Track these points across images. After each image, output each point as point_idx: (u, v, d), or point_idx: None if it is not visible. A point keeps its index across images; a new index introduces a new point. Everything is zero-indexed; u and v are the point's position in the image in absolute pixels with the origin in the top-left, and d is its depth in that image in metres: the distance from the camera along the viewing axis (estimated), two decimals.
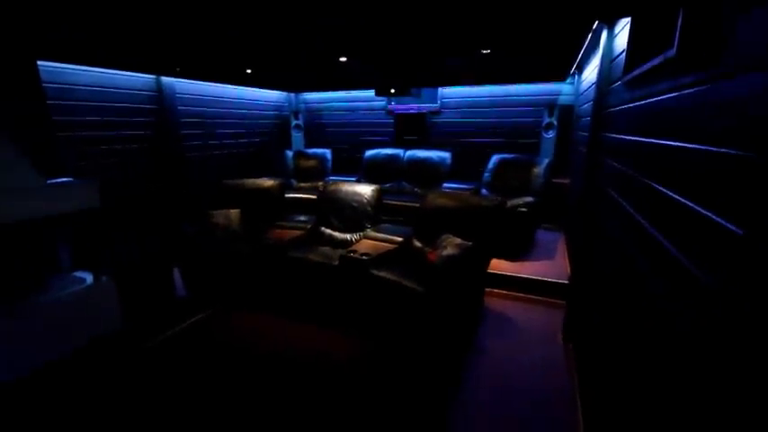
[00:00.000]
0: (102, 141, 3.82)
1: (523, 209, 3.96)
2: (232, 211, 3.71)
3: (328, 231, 3.68)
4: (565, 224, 4.67)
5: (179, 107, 4.57)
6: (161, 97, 4.33)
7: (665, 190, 1.10)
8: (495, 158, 4.91)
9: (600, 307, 1.84)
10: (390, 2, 1.91)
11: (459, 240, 2.77)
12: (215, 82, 5.01)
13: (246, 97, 5.67)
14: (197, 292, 3.47)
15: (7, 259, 2.49)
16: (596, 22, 2.27)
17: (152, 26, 2.33)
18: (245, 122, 5.73)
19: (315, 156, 6.02)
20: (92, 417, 2.07)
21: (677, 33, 1.03)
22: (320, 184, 5.10)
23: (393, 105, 5.95)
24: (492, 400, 2.17)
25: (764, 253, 0.61)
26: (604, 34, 2.30)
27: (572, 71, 4.27)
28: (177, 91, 4.52)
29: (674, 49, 1.05)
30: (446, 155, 5.23)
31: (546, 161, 4.58)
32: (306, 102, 6.60)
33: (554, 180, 4.60)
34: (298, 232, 3.61)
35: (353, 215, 3.65)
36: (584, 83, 3.79)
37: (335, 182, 4.01)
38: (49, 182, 2.59)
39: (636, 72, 1.50)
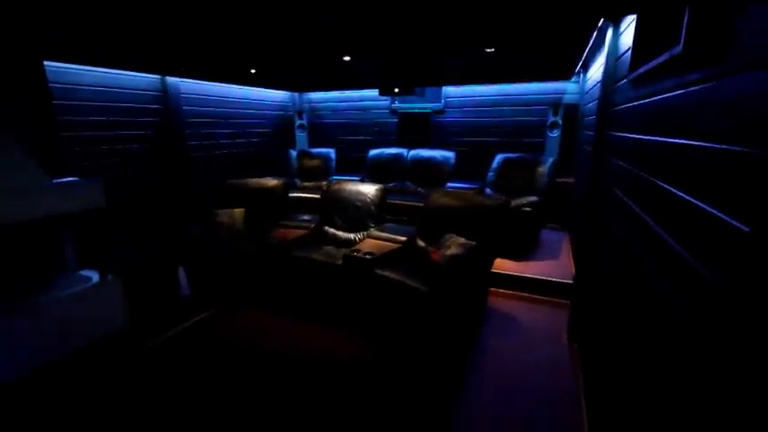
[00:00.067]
0: (107, 141, 3.85)
1: (528, 208, 3.94)
2: (236, 210, 3.73)
3: (332, 231, 3.69)
4: (569, 224, 4.64)
5: (184, 107, 4.60)
6: (166, 97, 4.35)
7: (670, 188, 1.09)
8: (499, 158, 4.89)
9: (605, 306, 1.83)
10: (393, 1, 1.90)
11: (463, 240, 2.77)
12: (220, 82, 5.03)
13: (251, 97, 5.69)
14: (201, 291, 3.49)
15: (14, 258, 2.51)
16: (601, 20, 2.26)
17: (157, 26, 2.34)
18: (250, 122, 5.75)
19: (319, 155, 6.03)
20: (95, 416, 2.09)
21: (684, 30, 1.02)
22: (324, 183, 5.11)
23: (397, 105, 5.95)
24: (496, 399, 2.16)
25: None
26: (610, 32, 2.28)
27: (577, 70, 4.25)
28: (182, 91, 4.55)
29: (681, 45, 1.03)
30: (450, 154, 5.22)
31: (550, 160, 4.56)
32: (310, 101, 6.62)
33: (559, 179, 4.57)
34: (301, 232, 3.62)
35: (357, 215, 3.65)
36: (589, 81, 3.76)
37: (339, 181, 4.01)
38: (54, 181, 2.61)
39: (641, 70, 1.49)
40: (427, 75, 4.69)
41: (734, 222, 0.72)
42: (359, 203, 3.67)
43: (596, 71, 2.99)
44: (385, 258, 2.91)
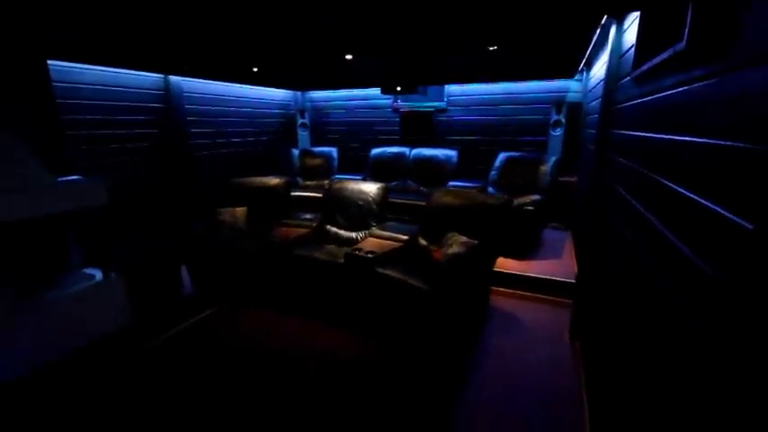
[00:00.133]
0: (110, 140, 3.86)
1: (530, 207, 3.93)
2: (238, 209, 3.74)
3: (334, 229, 3.69)
4: (572, 223, 4.62)
5: (186, 106, 4.61)
6: (168, 96, 4.36)
7: (673, 185, 1.08)
8: (501, 156, 4.87)
9: (607, 305, 1.82)
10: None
11: (464, 239, 2.76)
12: (222, 80, 5.04)
13: (253, 96, 5.70)
14: (204, 289, 3.50)
15: (19, 255, 2.53)
16: (605, 17, 2.24)
17: (160, 25, 2.34)
18: (252, 121, 5.76)
19: (321, 154, 6.03)
20: (97, 415, 2.10)
21: (687, 26, 1.01)
22: (326, 182, 5.10)
23: (399, 103, 5.94)
24: (498, 399, 2.16)
25: None
26: (613, 30, 2.27)
27: (580, 68, 4.22)
28: (185, 90, 4.56)
29: (684, 41, 1.03)
30: (452, 153, 5.21)
31: (553, 159, 4.54)
32: (312, 100, 6.62)
33: (561, 178, 4.55)
34: (303, 230, 3.62)
35: (359, 213, 3.65)
36: (592, 79, 3.74)
37: (341, 180, 4.01)
38: (58, 180, 2.62)
39: (645, 67, 1.47)
40: (429, 73, 4.68)
41: (737, 220, 0.71)
42: (361, 202, 3.67)
43: (599, 69, 2.97)
44: (386, 257, 2.91)
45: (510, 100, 5.29)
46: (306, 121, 6.38)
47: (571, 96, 4.92)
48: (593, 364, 2.03)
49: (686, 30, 1.02)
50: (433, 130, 5.80)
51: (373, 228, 3.52)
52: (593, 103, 3.29)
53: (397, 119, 6.03)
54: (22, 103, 2.97)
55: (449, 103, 5.63)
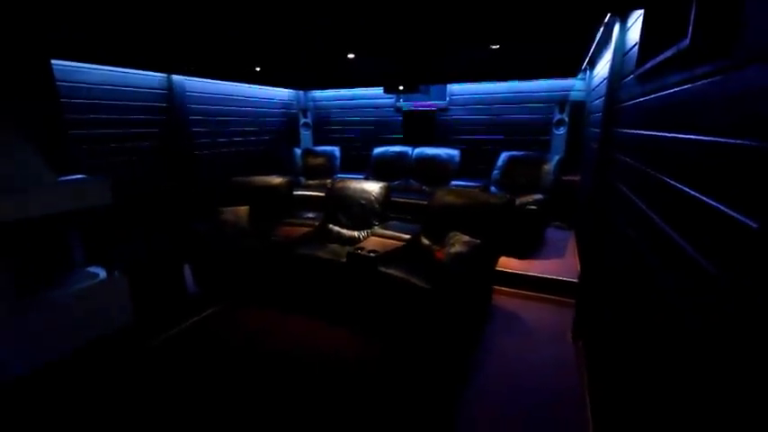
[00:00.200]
0: (114, 139, 3.88)
1: (533, 206, 3.92)
2: (241, 208, 3.74)
3: (336, 228, 3.69)
4: (575, 222, 4.60)
5: (189, 105, 4.62)
6: (172, 95, 4.38)
7: (677, 184, 1.08)
8: (504, 156, 4.86)
9: (610, 304, 1.81)
10: None
11: (467, 238, 2.75)
12: (225, 80, 5.05)
13: (256, 95, 5.71)
14: (207, 288, 3.51)
15: (24, 254, 2.54)
16: (608, 15, 2.23)
17: (163, 25, 2.35)
18: (255, 120, 5.77)
19: (323, 153, 6.03)
20: (100, 414, 2.11)
21: (691, 23, 1.01)
22: (328, 181, 5.11)
23: (401, 103, 5.93)
24: (500, 398, 2.15)
25: None
26: (617, 28, 2.25)
27: (584, 66, 4.20)
28: (188, 89, 4.57)
29: (688, 39, 1.02)
30: (455, 152, 5.20)
31: (556, 158, 4.52)
32: (314, 100, 6.62)
33: (565, 177, 4.53)
34: (306, 229, 3.62)
35: (361, 212, 3.65)
36: (595, 78, 3.72)
37: (343, 179, 4.01)
38: (62, 179, 2.64)
39: (648, 65, 1.46)
40: (432, 72, 4.67)
41: (742, 218, 0.71)
42: (363, 201, 3.67)
43: (603, 68, 2.96)
44: (389, 256, 2.91)
45: (513, 99, 5.27)
46: (308, 120, 6.39)
47: (574, 95, 4.90)
48: (596, 363, 2.02)
49: (690, 27, 1.01)
50: (435, 130, 5.79)
51: (376, 227, 3.52)
52: (597, 101, 3.27)
53: (400, 118, 6.02)
54: (26, 103, 2.99)
55: (451, 102, 5.62)
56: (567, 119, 4.77)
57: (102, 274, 2.84)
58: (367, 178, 5.29)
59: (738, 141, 0.76)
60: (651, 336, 1.16)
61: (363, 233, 3.53)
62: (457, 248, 2.67)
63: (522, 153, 4.80)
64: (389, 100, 5.97)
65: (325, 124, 6.63)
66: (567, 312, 3.00)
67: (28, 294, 2.48)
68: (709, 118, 0.92)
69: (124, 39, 2.69)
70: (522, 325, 2.92)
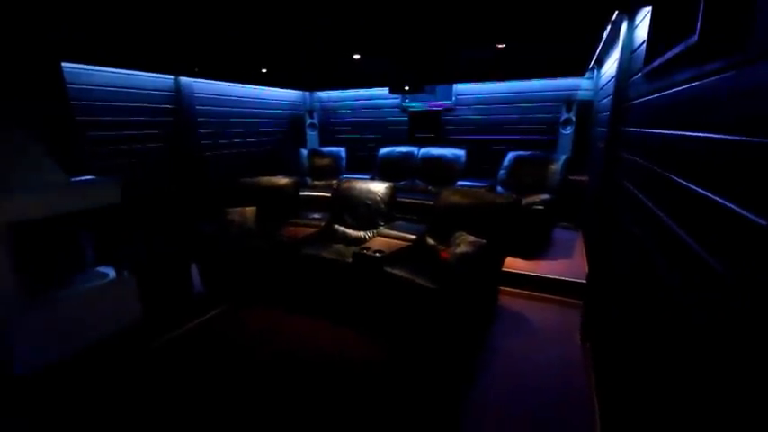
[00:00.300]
0: (122, 141, 3.93)
1: (539, 207, 3.89)
2: (247, 208, 3.77)
3: (342, 229, 3.70)
4: (583, 222, 4.56)
5: (197, 107, 4.66)
6: (179, 97, 4.42)
7: (684, 182, 1.06)
8: (510, 156, 4.83)
9: (618, 303, 1.79)
10: None
11: (472, 238, 2.74)
12: (232, 81, 5.09)
13: (262, 97, 5.74)
14: (213, 288, 3.54)
15: (35, 254, 2.58)
16: (616, 13, 2.21)
17: (171, 28, 2.38)
18: (261, 122, 5.81)
19: (329, 154, 6.05)
20: (105, 414, 2.13)
21: (699, 19, 0.99)
22: (334, 182, 5.13)
23: (407, 103, 5.93)
24: (506, 399, 2.14)
25: None
26: (624, 25, 2.23)
27: (591, 65, 4.17)
28: (195, 91, 4.61)
29: (696, 35, 1.00)
30: (461, 152, 5.18)
31: (563, 158, 4.48)
32: (320, 100, 6.65)
33: (572, 177, 4.49)
34: (312, 230, 3.64)
35: (367, 213, 3.65)
36: (603, 77, 3.69)
37: (349, 180, 4.02)
38: (72, 180, 2.68)
39: (656, 63, 1.45)
40: (438, 72, 4.67)
41: (750, 216, 0.70)
42: (369, 202, 3.67)
43: (611, 66, 2.93)
44: (394, 256, 2.91)
45: (519, 98, 5.24)
46: (314, 121, 6.41)
47: (582, 94, 4.86)
48: (603, 364, 2.00)
49: (698, 23, 1.00)
50: (441, 129, 5.78)
51: (381, 227, 3.52)
52: (604, 100, 3.24)
53: (406, 118, 6.02)
54: (37, 104, 3.04)
55: (457, 101, 5.60)
56: (574, 118, 4.73)
57: (112, 273, 2.88)
58: (373, 179, 5.28)
59: (748, 139, 0.75)
60: (658, 334, 1.15)
61: (369, 233, 3.53)
62: (463, 249, 2.66)
63: (528, 153, 4.76)
64: (395, 100, 5.97)
65: (331, 125, 6.66)
66: (573, 313, 2.97)
67: (40, 293, 2.52)
68: (719, 115, 0.91)
69: (132, 42, 2.72)
70: (528, 325, 2.90)
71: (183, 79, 4.41)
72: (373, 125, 6.30)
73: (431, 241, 3.17)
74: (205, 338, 2.81)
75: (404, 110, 5.99)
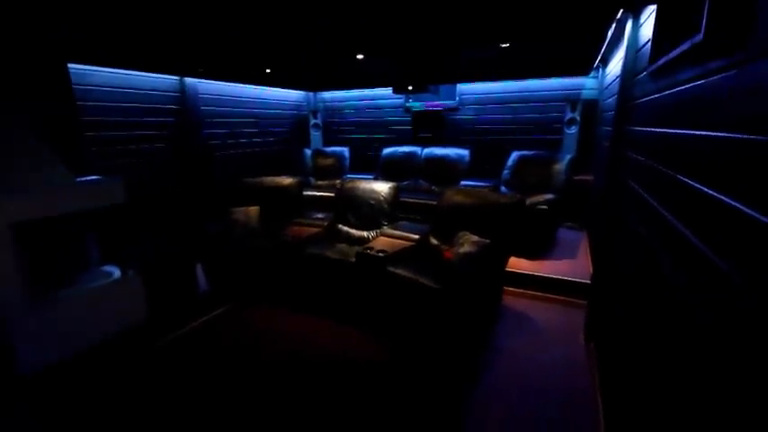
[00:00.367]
0: (128, 141, 3.96)
1: (544, 206, 3.87)
2: (251, 208, 3.78)
3: (345, 229, 3.70)
4: (587, 222, 4.54)
5: (201, 107, 4.69)
6: (184, 98, 4.45)
7: (690, 181, 1.06)
8: (514, 155, 4.81)
9: (623, 303, 1.78)
10: None
11: (476, 238, 2.74)
12: (236, 82, 5.12)
13: (266, 97, 5.77)
14: (218, 287, 3.56)
15: (42, 253, 2.61)
16: (620, 12, 2.20)
17: (176, 29, 2.39)
18: (266, 122, 5.83)
19: (333, 154, 6.06)
20: (111, 413, 2.15)
21: (704, 17, 0.99)
22: (338, 182, 5.12)
23: (411, 103, 5.93)
24: (509, 399, 2.13)
25: None
26: (629, 24, 2.22)
27: (596, 64, 4.15)
28: (200, 91, 4.64)
29: (701, 33, 1.00)
30: (464, 152, 5.17)
31: (568, 157, 4.46)
32: (324, 101, 6.66)
33: (576, 177, 4.47)
34: (315, 229, 3.64)
35: (370, 213, 3.65)
36: (608, 76, 3.67)
37: (353, 180, 4.02)
38: (77, 180, 2.70)
39: (661, 61, 1.44)
40: (441, 72, 4.66)
41: (756, 215, 0.69)
42: (372, 201, 3.67)
43: (616, 65, 2.91)
44: (398, 256, 2.91)
45: (523, 98, 5.22)
46: (318, 121, 6.43)
47: (586, 93, 4.84)
48: (608, 364, 1.99)
49: (704, 21, 0.99)
50: (444, 129, 5.77)
51: (385, 227, 3.52)
52: (609, 99, 3.22)
53: (409, 118, 6.02)
54: (43, 105, 3.07)
55: (461, 101, 5.59)
56: (578, 118, 4.71)
57: (117, 273, 2.90)
58: (376, 178, 5.29)
59: (752, 137, 0.74)
60: (663, 334, 1.14)
61: (372, 233, 3.54)
62: (466, 248, 2.66)
63: (532, 152, 4.74)
64: (398, 100, 5.97)
65: (334, 125, 6.67)
66: (577, 313, 2.96)
67: (45, 292, 2.55)
68: (724, 113, 0.90)
69: (137, 43, 2.74)
70: (532, 325, 2.89)
71: (188, 80, 4.44)
72: (376, 125, 6.30)
73: (434, 241, 3.17)
74: (209, 338, 2.83)
75: (407, 110, 5.99)
